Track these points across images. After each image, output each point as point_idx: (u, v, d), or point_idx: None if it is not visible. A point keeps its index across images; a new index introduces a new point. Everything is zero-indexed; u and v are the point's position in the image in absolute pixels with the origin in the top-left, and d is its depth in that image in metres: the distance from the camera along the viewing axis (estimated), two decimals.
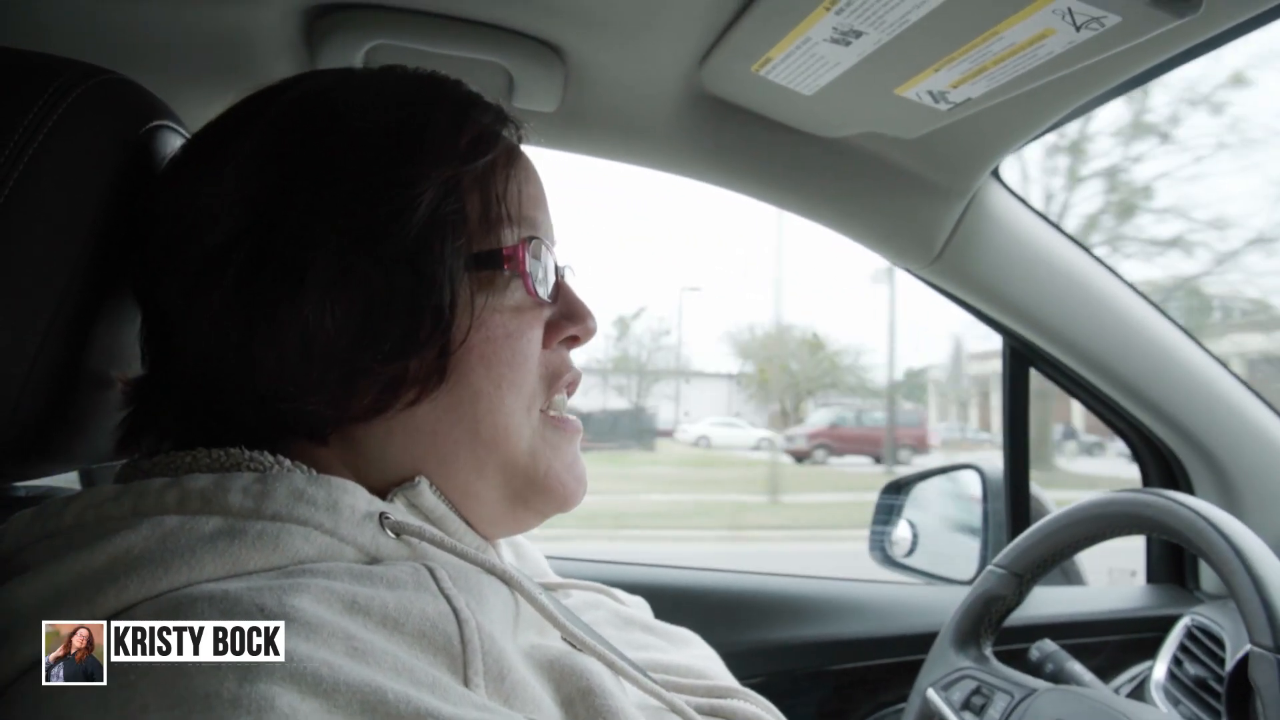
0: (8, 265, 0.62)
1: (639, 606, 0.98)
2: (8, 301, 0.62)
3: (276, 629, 0.49)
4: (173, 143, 0.75)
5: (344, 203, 0.63)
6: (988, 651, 1.27)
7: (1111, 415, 1.75)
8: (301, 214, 0.63)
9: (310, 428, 0.65)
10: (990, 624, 1.28)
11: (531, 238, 0.71)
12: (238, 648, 0.48)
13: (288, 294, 0.61)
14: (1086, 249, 1.54)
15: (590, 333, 0.77)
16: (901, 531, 2.02)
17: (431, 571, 0.59)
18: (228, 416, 0.64)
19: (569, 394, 0.77)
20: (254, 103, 0.69)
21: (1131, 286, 1.57)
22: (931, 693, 1.25)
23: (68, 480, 1.17)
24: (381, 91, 0.70)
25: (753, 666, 1.60)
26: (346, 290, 0.62)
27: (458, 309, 0.66)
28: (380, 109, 0.68)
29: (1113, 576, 1.97)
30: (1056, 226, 1.52)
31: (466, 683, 0.54)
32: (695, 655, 0.89)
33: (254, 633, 0.49)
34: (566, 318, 0.75)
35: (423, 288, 0.64)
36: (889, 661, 1.66)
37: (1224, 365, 1.62)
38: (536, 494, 0.72)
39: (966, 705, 1.20)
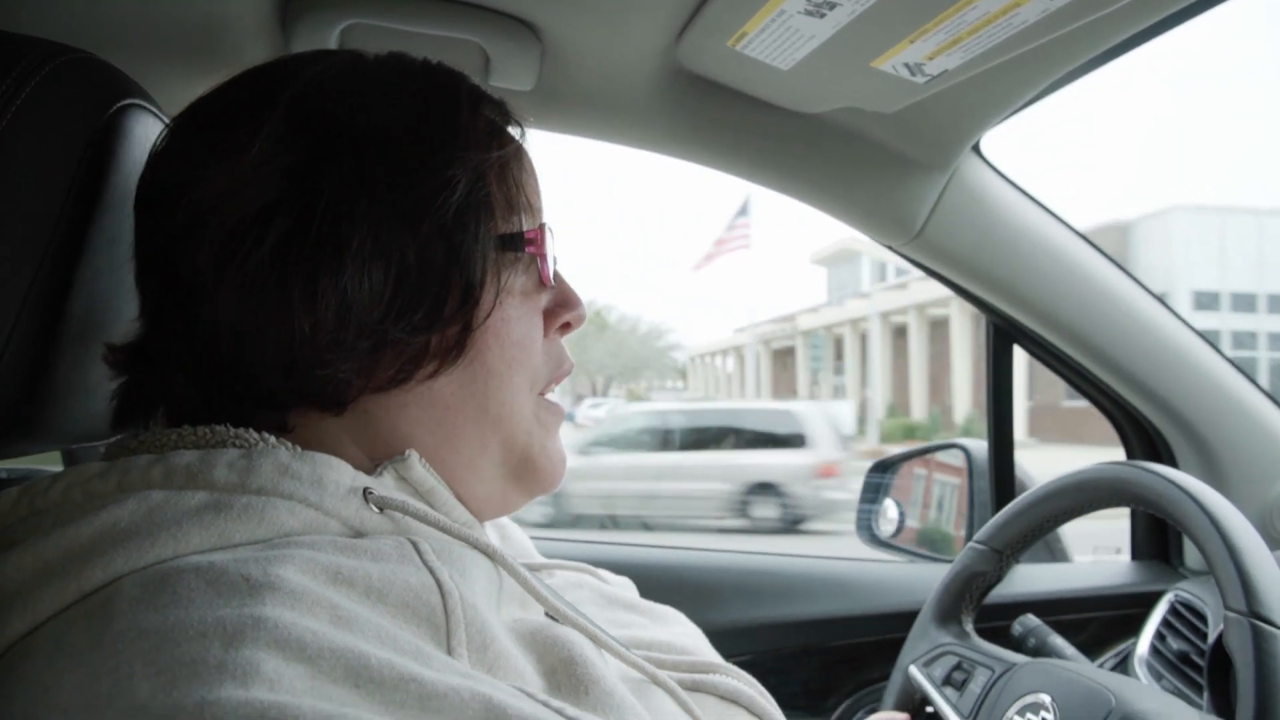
0: None
1: (624, 586, 0.99)
2: None
3: (262, 598, 0.49)
4: (144, 121, 0.75)
5: (385, 179, 0.65)
6: (969, 628, 1.28)
7: (1095, 391, 1.75)
8: (342, 187, 0.64)
9: (331, 397, 0.66)
10: (971, 600, 1.28)
11: (543, 223, 0.75)
12: (223, 615, 0.48)
13: (328, 264, 0.62)
14: (1068, 224, 1.54)
15: (581, 319, 0.80)
16: (887, 511, 2.02)
17: (415, 545, 0.60)
18: (249, 385, 0.65)
19: (555, 385, 0.79)
20: (271, 74, 0.70)
21: (1114, 262, 1.57)
22: (913, 669, 1.26)
23: (51, 461, 1.17)
24: (400, 76, 0.72)
25: (738, 645, 1.61)
26: (383, 261, 0.64)
27: (485, 287, 0.68)
28: (405, 92, 0.70)
29: (1097, 553, 1.98)
30: (1038, 202, 1.52)
31: (450, 652, 0.55)
32: (678, 632, 0.90)
33: (239, 601, 0.49)
34: (561, 304, 0.78)
35: (456, 264, 0.67)
36: (874, 639, 1.67)
37: (1207, 340, 1.63)
38: (530, 473, 0.75)
39: (948, 681, 1.20)
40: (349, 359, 0.64)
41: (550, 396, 0.78)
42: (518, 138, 0.76)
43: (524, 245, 0.72)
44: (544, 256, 0.73)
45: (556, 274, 0.78)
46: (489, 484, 0.73)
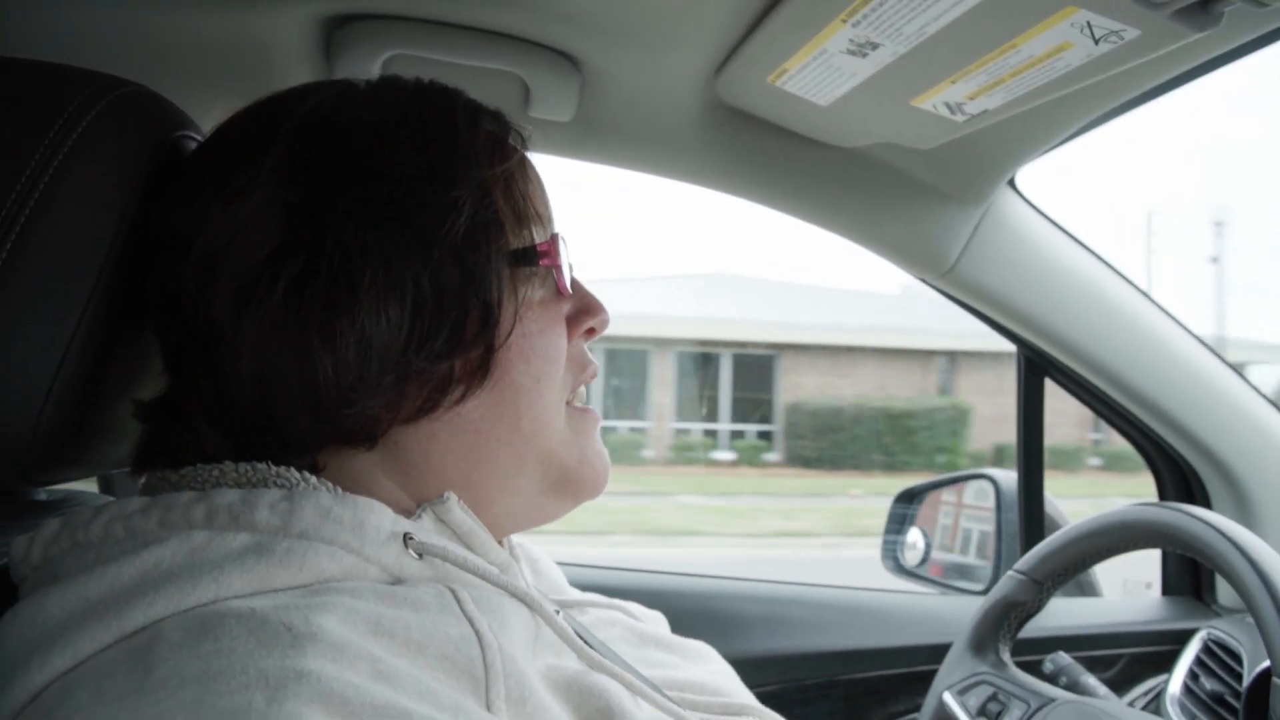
0: (34, 277, 0.63)
1: (655, 621, 0.98)
2: (34, 313, 0.63)
3: (304, 649, 0.49)
4: None
5: (388, 208, 0.64)
6: (1005, 657, 1.26)
7: (1127, 427, 1.74)
8: (347, 222, 0.63)
9: (360, 434, 0.65)
10: (1009, 630, 1.27)
11: (556, 234, 0.74)
12: (265, 667, 0.48)
13: (342, 302, 0.62)
14: (1104, 260, 1.54)
15: (605, 324, 0.78)
16: (913, 540, 2.01)
17: (455, 594, 0.60)
18: (276, 430, 0.64)
19: (582, 388, 0.78)
20: (267, 112, 0.70)
21: (1148, 298, 1.57)
22: (947, 696, 1.25)
23: (86, 485, 1.18)
24: (396, 99, 0.70)
25: (765, 675, 1.60)
26: (397, 293, 0.63)
27: (503, 305, 0.67)
28: (400, 115, 0.69)
29: (1127, 589, 1.96)
30: (1073, 237, 1.52)
31: (489, 706, 0.54)
32: (711, 671, 0.89)
33: (281, 652, 0.49)
34: (583, 311, 0.77)
35: (471, 287, 0.65)
36: (900, 672, 1.66)
37: (1242, 377, 1.62)
38: (571, 482, 0.74)
39: (982, 711, 1.19)
40: (375, 394, 0.63)
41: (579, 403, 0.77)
42: (519, 148, 0.75)
43: (538, 258, 0.70)
44: (559, 267, 0.72)
45: (574, 281, 0.77)
46: (527, 499, 0.72)
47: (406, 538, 0.62)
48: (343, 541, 0.59)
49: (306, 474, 0.64)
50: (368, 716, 0.47)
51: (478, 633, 0.57)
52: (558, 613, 0.69)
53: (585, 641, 0.71)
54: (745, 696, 0.86)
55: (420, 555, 0.62)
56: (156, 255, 0.67)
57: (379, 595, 0.57)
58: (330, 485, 0.64)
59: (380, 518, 0.61)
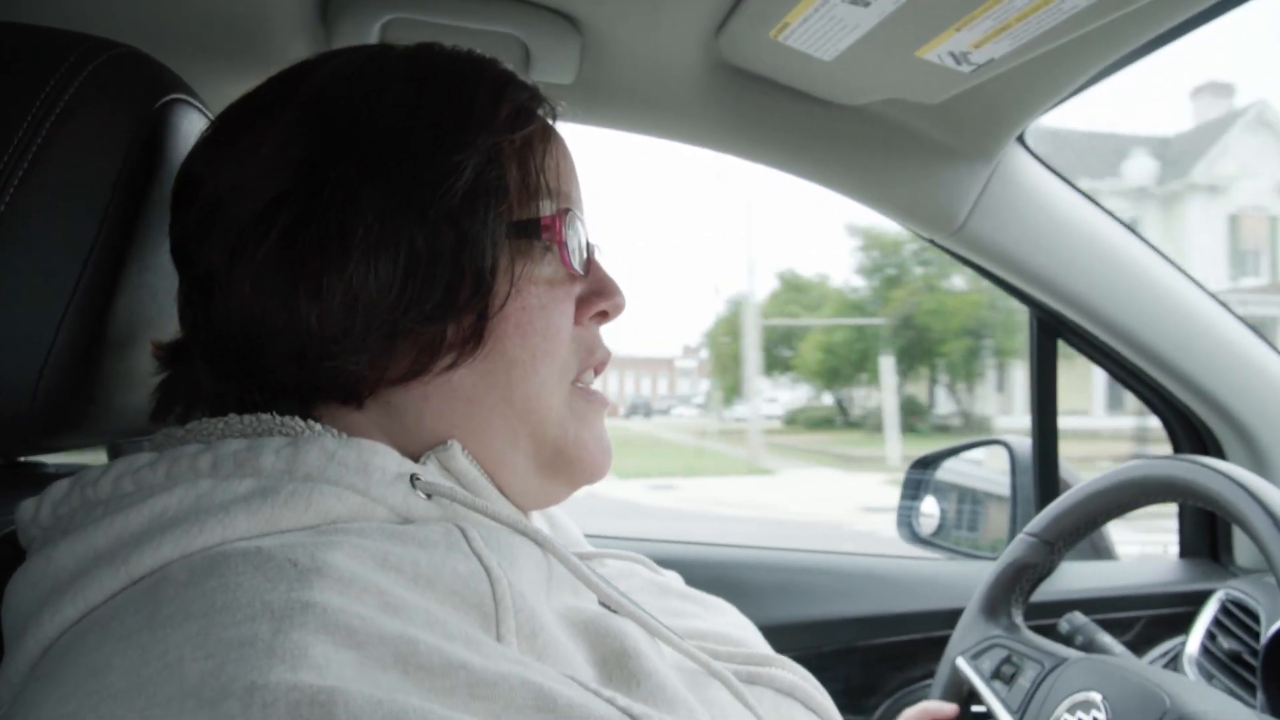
0: (29, 240, 0.63)
1: (672, 578, 0.98)
2: (29, 277, 0.63)
3: (309, 583, 0.49)
4: (189, 116, 0.76)
5: (390, 166, 0.64)
6: (1018, 620, 1.26)
7: (1140, 385, 1.72)
8: (346, 177, 0.63)
9: (347, 389, 0.65)
10: (1021, 593, 1.26)
11: (566, 210, 0.72)
12: (271, 599, 0.48)
13: (333, 254, 0.62)
14: (1115, 216, 1.52)
15: (620, 309, 0.77)
16: (928, 507, 2.00)
17: (463, 531, 0.60)
18: (265, 377, 0.65)
19: (596, 373, 0.77)
20: (298, 70, 0.70)
21: (1160, 254, 1.55)
22: (961, 661, 1.24)
23: (96, 457, 1.18)
24: (423, 65, 0.70)
25: (780, 642, 1.57)
26: (390, 251, 0.63)
27: (498, 274, 0.67)
28: (423, 80, 0.69)
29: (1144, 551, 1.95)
30: (1084, 194, 1.50)
31: (499, 639, 0.55)
32: (731, 623, 0.89)
33: (286, 586, 0.49)
34: (596, 293, 0.76)
35: (465, 251, 0.65)
36: (916, 637, 1.66)
37: (1257, 332, 1.60)
38: (565, 464, 0.73)
39: (996, 674, 1.18)
40: (359, 350, 0.63)
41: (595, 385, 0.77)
42: (549, 122, 0.74)
43: (539, 232, 0.69)
44: (562, 244, 0.71)
45: (593, 261, 0.76)
46: (524, 478, 0.72)
47: (413, 478, 0.62)
48: (348, 482, 0.59)
49: (311, 422, 0.64)
50: (375, 646, 0.48)
51: (486, 568, 0.57)
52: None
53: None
54: (766, 649, 0.85)
55: (428, 496, 0.62)
56: (173, 204, 0.69)
57: (386, 534, 0.57)
58: (335, 431, 0.64)
59: (386, 459, 0.62)
